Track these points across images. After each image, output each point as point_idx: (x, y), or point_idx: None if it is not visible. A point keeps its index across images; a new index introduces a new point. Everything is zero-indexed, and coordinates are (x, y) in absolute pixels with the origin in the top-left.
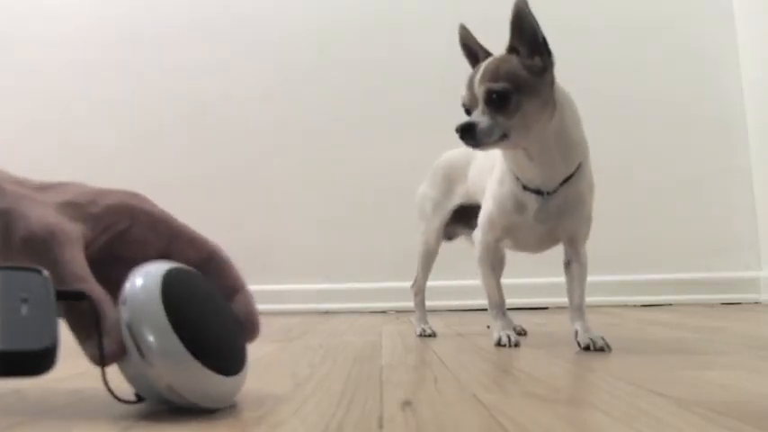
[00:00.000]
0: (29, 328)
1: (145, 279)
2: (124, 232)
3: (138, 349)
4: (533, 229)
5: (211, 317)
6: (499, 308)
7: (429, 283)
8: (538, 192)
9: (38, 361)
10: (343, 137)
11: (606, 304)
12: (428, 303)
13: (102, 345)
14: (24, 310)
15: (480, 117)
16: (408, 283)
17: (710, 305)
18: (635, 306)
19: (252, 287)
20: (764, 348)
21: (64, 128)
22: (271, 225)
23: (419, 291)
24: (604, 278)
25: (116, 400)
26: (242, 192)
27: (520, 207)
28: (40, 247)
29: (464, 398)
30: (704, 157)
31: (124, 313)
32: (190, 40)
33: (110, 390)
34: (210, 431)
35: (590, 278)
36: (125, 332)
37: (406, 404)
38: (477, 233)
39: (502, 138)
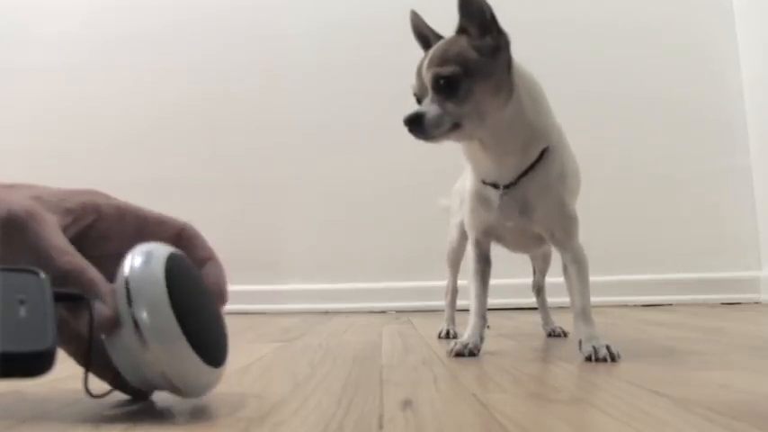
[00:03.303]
0: (27, 329)
1: (148, 258)
2: (91, 227)
3: (136, 326)
4: (506, 227)
5: (204, 306)
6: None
7: (430, 284)
8: (495, 185)
9: (36, 362)
10: (343, 137)
11: (606, 304)
12: (429, 303)
13: (93, 317)
14: (22, 311)
15: (429, 106)
16: (408, 283)
17: (710, 305)
18: (635, 306)
19: (252, 287)
20: (764, 348)
21: (65, 127)
22: (271, 225)
23: (448, 290)
24: (604, 278)
25: (99, 392)
26: (242, 192)
27: (485, 203)
28: (21, 226)
29: (464, 398)
30: (704, 157)
31: (123, 289)
32: (190, 39)
33: (86, 379)
34: (211, 431)
35: (590, 278)
36: (123, 308)
37: (406, 404)
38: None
39: (454, 127)
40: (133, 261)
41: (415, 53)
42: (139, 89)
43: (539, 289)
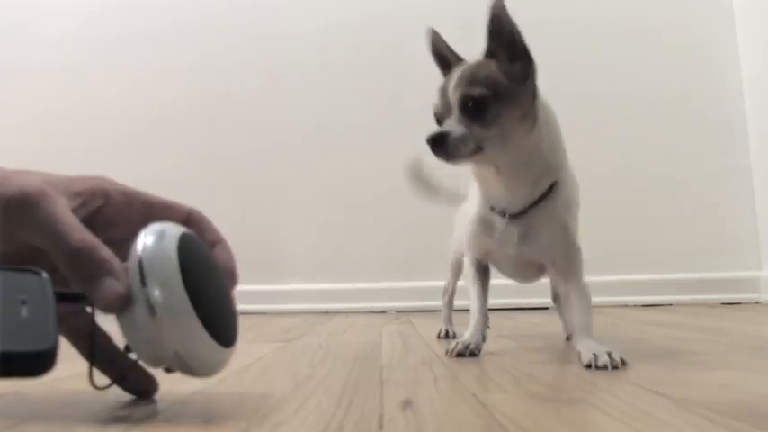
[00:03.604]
0: (28, 329)
1: (161, 237)
2: (98, 212)
3: (149, 305)
4: (507, 255)
5: (216, 286)
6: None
7: (430, 284)
8: (503, 213)
9: (37, 362)
10: (343, 137)
11: (606, 304)
12: (429, 303)
13: (94, 315)
14: (24, 311)
15: (454, 126)
16: (408, 283)
17: (710, 305)
18: (635, 306)
19: (252, 287)
20: (764, 348)
21: (65, 127)
22: (270, 225)
23: (446, 291)
24: (604, 278)
25: (111, 386)
26: (242, 192)
27: (489, 229)
28: (33, 205)
29: (464, 398)
30: (704, 157)
31: (137, 267)
32: (190, 39)
33: (91, 373)
34: (211, 431)
35: (590, 278)
36: (137, 286)
37: (406, 404)
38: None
39: (476, 150)
40: (146, 240)
41: (416, 54)
42: (139, 89)
43: (556, 296)
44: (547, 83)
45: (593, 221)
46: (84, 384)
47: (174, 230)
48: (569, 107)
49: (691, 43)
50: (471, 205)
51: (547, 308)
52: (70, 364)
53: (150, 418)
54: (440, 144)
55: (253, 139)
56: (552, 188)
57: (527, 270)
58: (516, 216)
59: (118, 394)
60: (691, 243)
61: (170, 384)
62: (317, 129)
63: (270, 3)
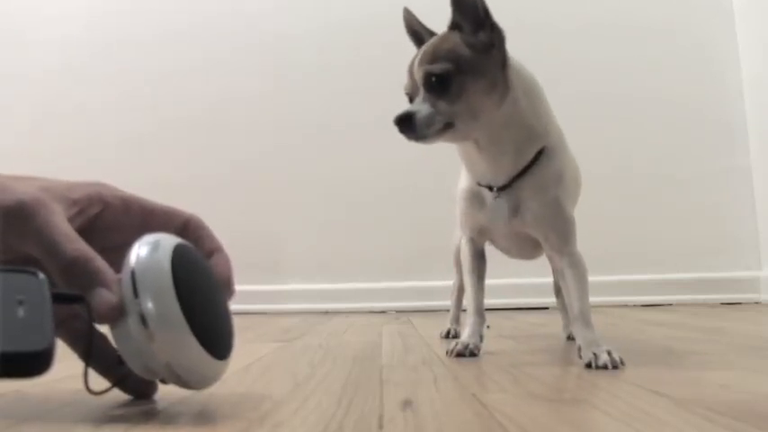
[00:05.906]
0: (25, 329)
1: (155, 248)
2: (96, 218)
3: (141, 316)
4: (501, 231)
5: (211, 298)
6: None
7: (430, 284)
8: (490, 187)
9: (34, 362)
10: (343, 137)
11: (606, 304)
12: (429, 303)
13: (92, 317)
14: (21, 311)
15: (420, 105)
16: (408, 283)
17: (710, 305)
18: (635, 306)
19: (252, 287)
20: (764, 348)
21: (66, 130)
22: (270, 225)
23: (455, 289)
24: (604, 278)
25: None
26: (241, 192)
27: (478, 204)
28: (29, 215)
29: (464, 398)
30: (704, 157)
31: (129, 279)
32: (190, 41)
33: (86, 376)
34: (211, 431)
35: (590, 278)
36: (129, 297)
37: (406, 404)
38: (457, 232)
39: (446, 127)
40: (140, 251)
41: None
42: (140, 92)
43: (559, 290)
44: (547, 83)
45: (594, 221)
46: (82, 385)
47: (168, 241)
48: (569, 107)
49: (691, 43)
50: (460, 182)
51: (547, 308)
52: (68, 364)
53: (150, 418)
54: (407, 124)
55: (253, 140)
56: (540, 157)
57: (524, 245)
58: (504, 188)
59: (117, 394)
60: (691, 243)
61: (169, 385)
62: (317, 129)
63: (270, 3)
